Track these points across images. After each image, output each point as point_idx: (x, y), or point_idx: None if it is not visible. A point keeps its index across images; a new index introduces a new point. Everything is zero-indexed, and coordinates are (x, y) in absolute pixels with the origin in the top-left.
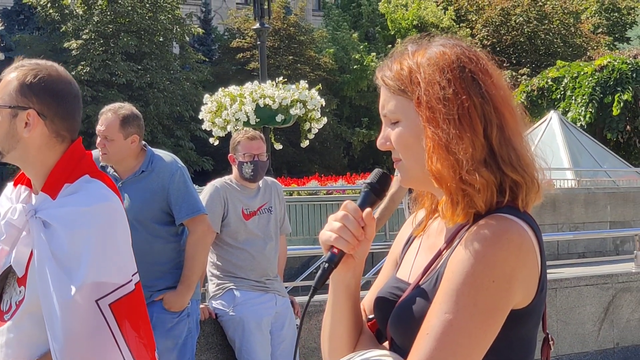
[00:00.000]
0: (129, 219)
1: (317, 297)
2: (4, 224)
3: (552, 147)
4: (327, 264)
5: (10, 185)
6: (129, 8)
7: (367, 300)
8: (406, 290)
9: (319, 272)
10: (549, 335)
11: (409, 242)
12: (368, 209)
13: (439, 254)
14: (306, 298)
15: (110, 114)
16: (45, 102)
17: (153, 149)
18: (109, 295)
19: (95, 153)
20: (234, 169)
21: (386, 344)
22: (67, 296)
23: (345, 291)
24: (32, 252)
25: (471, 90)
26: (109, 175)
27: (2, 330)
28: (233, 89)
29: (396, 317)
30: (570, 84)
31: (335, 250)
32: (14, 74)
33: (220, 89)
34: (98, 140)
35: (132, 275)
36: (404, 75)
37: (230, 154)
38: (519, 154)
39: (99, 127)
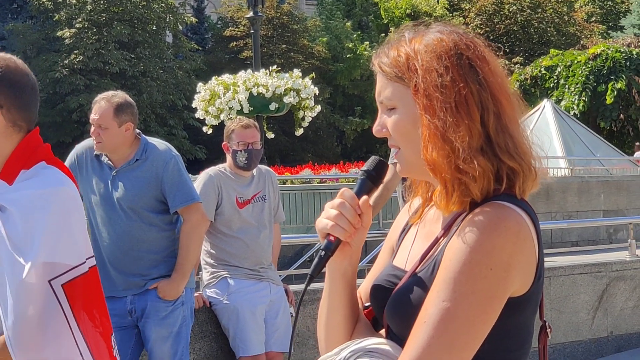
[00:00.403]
0: (123, 207)
1: (312, 286)
2: None
3: (546, 135)
4: (323, 252)
5: None
6: None
7: (364, 288)
8: (402, 278)
9: (316, 259)
10: (547, 323)
11: (405, 230)
12: (365, 197)
13: (435, 242)
14: (300, 286)
15: (103, 102)
16: (3, 92)
17: (147, 137)
18: (62, 275)
19: (89, 142)
20: (228, 158)
21: (382, 331)
22: (19, 276)
23: (341, 279)
24: None
25: (468, 77)
26: (102, 164)
27: None
28: (226, 77)
29: (393, 305)
30: (564, 73)
31: (332, 238)
32: None
33: (213, 78)
34: (92, 129)
35: (87, 259)
36: (401, 62)
37: (224, 143)
38: (516, 142)
39: (93, 116)
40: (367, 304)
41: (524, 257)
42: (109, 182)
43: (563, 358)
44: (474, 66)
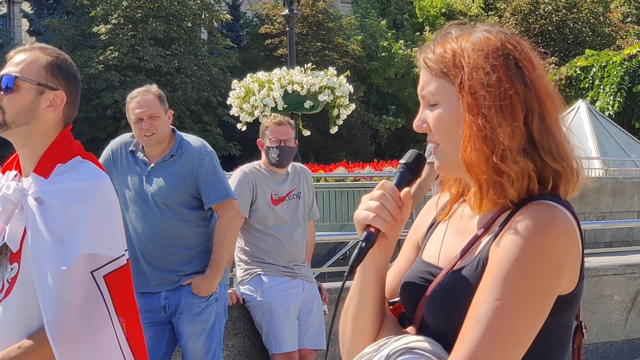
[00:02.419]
0: (158, 202)
1: (348, 284)
2: None
3: (580, 136)
4: (364, 243)
5: None
6: None
7: (387, 284)
8: (438, 274)
9: (356, 251)
10: (582, 323)
11: (433, 226)
12: (407, 188)
13: (476, 239)
14: (333, 284)
15: (146, 95)
16: (71, 87)
17: (182, 134)
18: (104, 267)
19: (124, 137)
20: (263, 154)
21: (409, 328)
22: (62, 267)
23: (375, 272)
24: (25, 228)
25: (514, 77)
26: (137, 160)
27: None
28: (261, 74)
29: (433, 302)
30: (599, 73)
31: (373, 230)
32: (38, 53)
33: (248, 75)
34: (140, 124)
35: (125, 251)
36: (447, 58)
37: (259, 139)
38: (559, 144)
39: (140, 110)
40: (392, 300)
41: (572, 256)
42: (144, 177)
43: (596, 359)
44: (520, 67)
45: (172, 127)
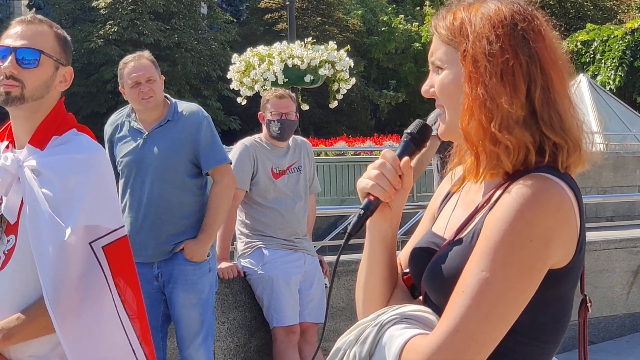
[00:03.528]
0: (157, 169)
1: (347, 257)
2: None
3: (581, 110)
4: (362, 211)
5: None
6: None
7: (404, 254)
8: (441, 245)
9: (354, 218)
10: (587, 297)
11: (446, 197)
12: (406, 158)
13: (476, 211)
14: (334, 258)
15: (141, 59)
16: (70, 62)
17: (175, 100)
18: (103, 238)
19: (114, 115)
20: (264, 128)
21: (421, 298)
22: (61, 238)
23: (381, 241)
24: (22, 200)
25: (519, 48)
26: (133, 129)
27: None
28: (262, 49)
29: (430, 272)
30: (600, 48)
31: (372, 198)
32: (48, 28)
33: (248, 49)
34: (138, 88)
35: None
36: (455, 25)
37: (259, 112)
38: (562, 117)
39: (137, 74)
40: (406, 270)
41: (565, 229)
42: (141, 144)
43: (597, 332)
44: (527, 38)
45: (165, 94)
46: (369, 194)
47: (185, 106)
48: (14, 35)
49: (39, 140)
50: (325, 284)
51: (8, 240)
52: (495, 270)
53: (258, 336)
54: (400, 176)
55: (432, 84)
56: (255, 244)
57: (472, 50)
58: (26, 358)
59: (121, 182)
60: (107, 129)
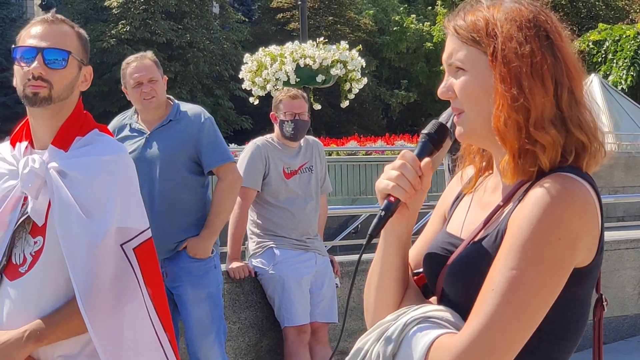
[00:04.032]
0: (159, 166)
1: (353, 258)
2: (27, 174)
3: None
4: (383, 212)
5: (4, 145)
6: None
7: (413, 254)
8: (459, 245)
9: (375, 219)
10: (603, 296)
11: (458, 198)
12: (427, 159)
13: (497, 210)
14: (345, 257)
15: (144, 60)
16: (88, 52)
17: (178, 102)
18: (133, 239)
19: (116, 119)
20: (276, 128)
21: (432, 299)
22: (94, 240)
23: (397, 242)
24: (49, 202)
25: (545, 49)
26: (135, 130)
27: (19, 282)
28: (274, 48)
29: (452, 272)
30: (612, 47)
31: (392, 199)
32: (69, 28)
33: (260, 49)
34: (140, 88)
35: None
36: (479, 26)
37: (272, 112)
38: (587, 117)
39: (139, 74)
40: (416, 271)
41: (589, 228)
42: (143, 143)
43: (608, 333)
44: (551, 39)
45: (167, 95)
46: (388, 195)
47: (188, 107)
48: (38, 36)
49: (63, 141)
50: (337, 284)
51: (35, 242)
52: (525, 269)
53: (269, 336)
54: (420, 177)
55: (451, 86)
56: (266, 244)
57: (502, 51)
58: (56, 358)
59: None
60: (110, 130)
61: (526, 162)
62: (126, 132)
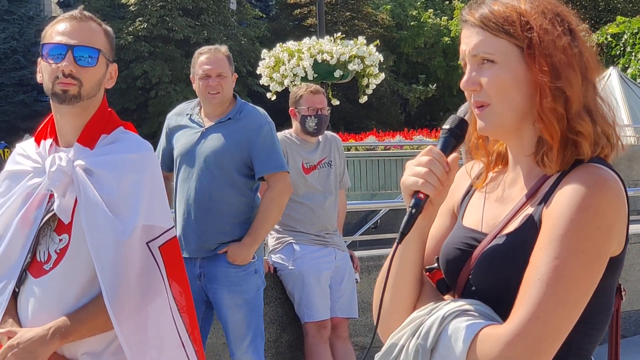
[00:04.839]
0: (208, 163)
1: (376, 252)
2: (54, 172)
3: (611, 103)
4: (414, 209)
5: (29, 142)
6: None
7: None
8: (483, 240)
9: (406, 217)
10: (621, 286)
11: (469, 193)
12: (454, 154)
13: (522, 204)
14: (364, 252)
15: (217, 53)
16: (113, 50)
17: (244, 101)
18: (159, 238)
19: (179, 107)
20: (295, 123)
21: (448, 295)
22: (121, 238)
23: (418, 238)
24: (76, 199)
25: (571, 41)
26: (194, 122)
27: (44, 280)
28: (291, 44)
29: (483, 264)
30: (630, 40)
31: (422, 196)
32: (97, 25)
33: (278, 45)
34: (207, 81)
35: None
36: (512, 18)
37: (291, 108)
38: (606, 111)
39: (209, 66)
40: (429, 267)
41: (621, 218)
42: (198, 137)
43: (628, 326)
44: (574, 32)
45: (234, 92)
46: (417, 192)
47: (252, 109)
48: (67, 33)
49: (89, 138)
50: (357, 279)
51: (60, 240)
52: (567, 258)
53: (289, 331)
54: (446, 172)
55: (477, 79)
56: (286, 240)
57: (541, 42)
58: (80, 356)
59: (176, 172)
60: (171, 117)
61: (569, 152)
62: (185, 121)
